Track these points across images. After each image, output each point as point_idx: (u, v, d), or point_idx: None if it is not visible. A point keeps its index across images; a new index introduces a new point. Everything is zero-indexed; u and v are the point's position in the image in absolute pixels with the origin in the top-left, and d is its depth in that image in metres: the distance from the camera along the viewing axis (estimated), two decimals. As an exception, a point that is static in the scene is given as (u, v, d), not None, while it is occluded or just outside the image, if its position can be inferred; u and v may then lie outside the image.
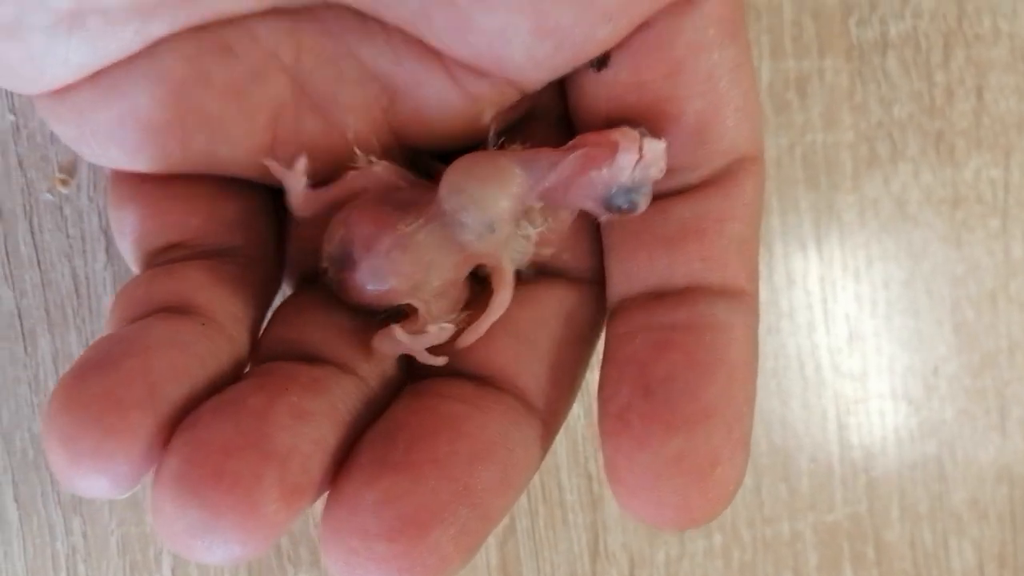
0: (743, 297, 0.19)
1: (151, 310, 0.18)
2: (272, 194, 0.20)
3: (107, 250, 0.25)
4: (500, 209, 0.18)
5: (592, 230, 0.20)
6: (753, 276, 0.19)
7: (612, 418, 0.17)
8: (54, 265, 0.25)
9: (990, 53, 0.30)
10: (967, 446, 0.31)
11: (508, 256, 0.19)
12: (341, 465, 0.17)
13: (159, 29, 0.18)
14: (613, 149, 0.18)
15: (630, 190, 0.18)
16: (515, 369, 0.18)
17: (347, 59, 0.19)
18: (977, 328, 0.30)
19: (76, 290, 0.25)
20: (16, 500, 0.25)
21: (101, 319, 0.25)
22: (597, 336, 0.20)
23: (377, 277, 0.18)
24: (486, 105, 0.19)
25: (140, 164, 0.19)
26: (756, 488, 0.30)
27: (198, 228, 0.20)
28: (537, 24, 0.18)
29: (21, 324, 0.25)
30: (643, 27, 0.18)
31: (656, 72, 0.19)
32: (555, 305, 0.19)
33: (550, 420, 0.19)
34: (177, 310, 0.18)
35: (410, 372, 0.19)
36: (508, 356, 0.19)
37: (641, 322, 0.18)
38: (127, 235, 0.20)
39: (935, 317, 0.30)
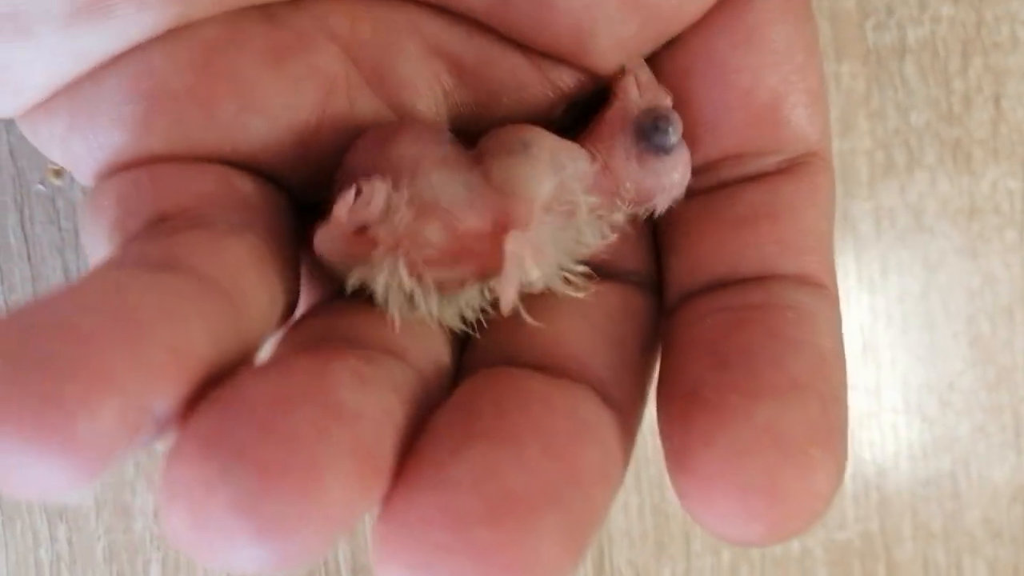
0: (824, 290, 0.17)
1: (128, 264, 0.14)
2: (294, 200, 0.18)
3: None
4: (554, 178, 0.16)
5: (648, 233, 0.19)
6: (833, 273, 0.17)
7: (680, 400, 0.14)
8: (45, 259, 0.24)
9: (1008, 61, 0.29)
10: (981, 463, 0.30)
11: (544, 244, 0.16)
12: (407, 453, 0.13)
13: (200, 11, 0.16)
14: (615, 92, 0.17)
15: (649, 113, 0.17)
16: (590, 357, 0.16)
17: (409, 32, 0.17)
18: (993, 342, 0.30)
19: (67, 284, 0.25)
20: None
21: None
22: (657, 344, 0.17)
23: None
24: (561, 93, 0.18)
25: (150, 142, 0.16)
26: (765, 504, 0.30)
27: (204, 197, 0.16)
28: (625, 1, 0.17)
29: (9, 320, 0.25)
30: None
31: (730, 39, 0.17)
32: (622, 303, 0.17)
33: (631, 416, 0.16)
34: (161, 266, 0.14)
35: (463, 372, 0.17)
36: (582, 342, 0.16)
37: (709, 307, 0.16)
38: (106, 205, 0.16)
39: (951, 330, 0.30)
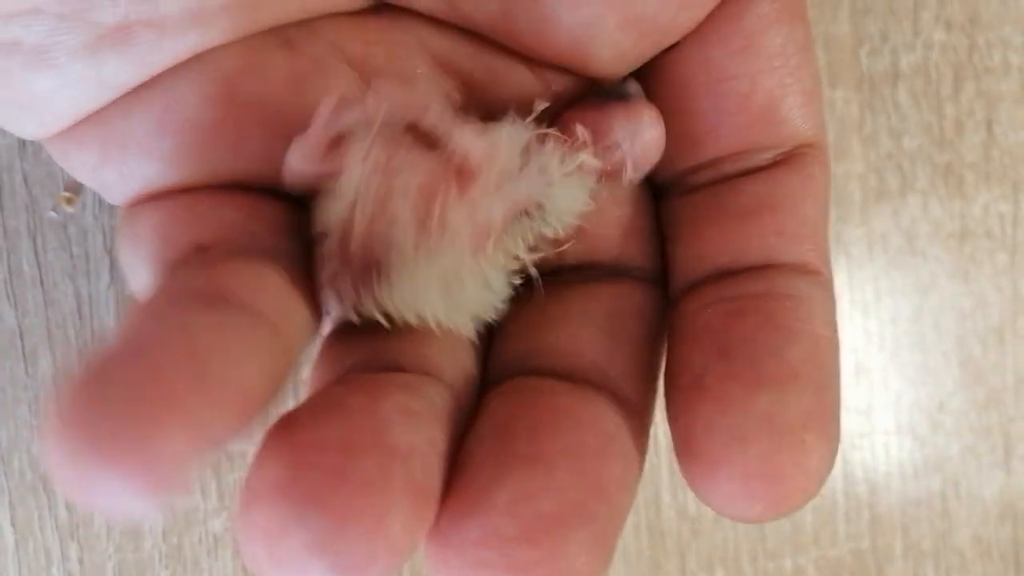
0: (820, 277, 0.18)
1: (181, 298, 0.15)
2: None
3: (111, 270, 0.25)
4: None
5: (653, 228, 0.19)
6: (828, 262, 0.18)
7: (685, 388, 0.16)
8: (57, 284, 0.25)
9: (1000, 86, 0.30)
10: (971, 483, 0.30)
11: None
12: (452, 475, 0.14)
13: (218, 37, 0.17)
14: None
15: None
16: (608, 364, 0.17)
17: (419, 51, 0.18)
18: (983, 364, 0.30)
19: (79, 310, 0.25)
20: (13, 524, 0.25)
21: (104, 341, 0.26)
22: (664, 338, 0.18)
23: None
24: (562, 99, 0.19)
25: (181, 174, 0.17)
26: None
27: (238, 225, 0.17)
28: (623, 16, 0.17)
29: (22, 344, 0.25)
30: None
31: (726, 48, 0.18)
32: (628, 302, 0.18)
33: (644, 420, 0.17)
34: (213, 299, 0.14)
35: (487, 379, 0.18)
36: (598, 350, 0.17)
37: (713, 296, 0.17)
38: (144, 235, 0.17)
39: (941, 352, 0.30)
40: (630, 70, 0.19)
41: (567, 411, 0.15)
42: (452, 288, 0.17)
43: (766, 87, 0.18)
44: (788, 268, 0.17)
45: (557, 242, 0.18)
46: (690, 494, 0.29)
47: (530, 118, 0.18)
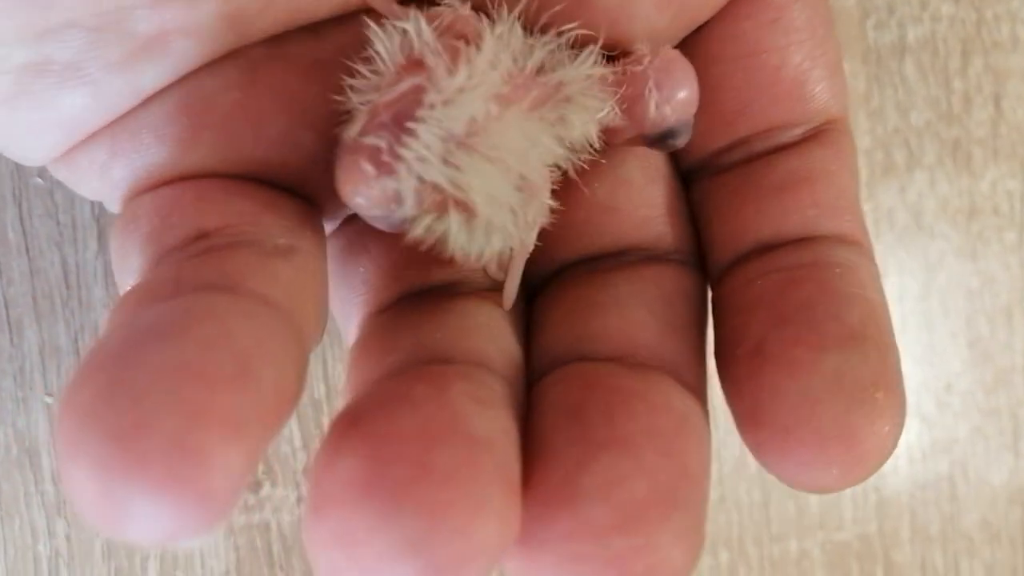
0: (862, 247, 0.17)
1: (180, 293, 0.13)
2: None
3: (99, 238, 0.24)
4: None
5: (686, 211, 0.19)
6: (866, 230, 0.18)
7: (745, 359, 0.15)
8: (43, 253, 0.24)
9: (1008, 61, 0.29)
10: (979, 466, 0.30)
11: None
12: (526, 463, 0.14)
13: (254, 36, 0.16)
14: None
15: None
16: (662, 346, 0.16)
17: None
18: (992, 344, 0.30)
19: (65, 279, 0.24)
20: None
21: (91, 311, 0.24)
22: (707, 321, 0.18)
23: None
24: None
25: (196, 158, 0.16)
26: (764, 505, 0.30)
27: (247, 215, 0.16)
28: None
29: (7, 314, 0.24)
30: None
31: (757, 21, 0.18)
32: (672, 284, 0.18)
33: (703, 400, 0.16)
34: (224, 288, 0.13)
35: (535, 370, 0.17)
36: (652, 333, 0.16)
37: (760, 269, 0.17)
38: (143, 217, 0.16)
39: (949, 331, 0.30)
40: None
41: (637, 393, 0.14)
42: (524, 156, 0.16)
43: (795, 61, 0.18)
44: (830, 239, 0.17)
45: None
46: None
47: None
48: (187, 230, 0.15)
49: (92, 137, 0.17)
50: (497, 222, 0.16)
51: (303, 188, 0.17)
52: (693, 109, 0.18)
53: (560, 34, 0.17)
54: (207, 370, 0.11)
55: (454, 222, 0.15)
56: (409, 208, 0.15)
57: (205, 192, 0.16)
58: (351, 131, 0.15)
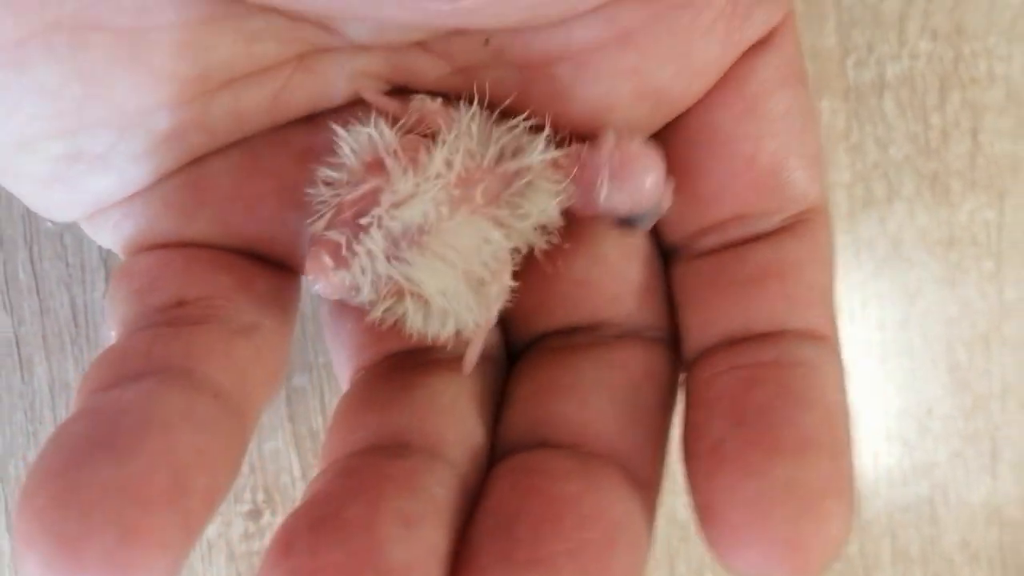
0: (828, 342, 0.18)
1: (147, 371, 0.15)
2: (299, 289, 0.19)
3: (106, 279, 0.26)
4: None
5: (664, 288, 0.20)
6: (835, 325, 0.18)
7: (704, 456, 0.16)
8: (53, 293, 0.25)
9: (985, 96, 0.30)
10: (959, 488, 0.31)
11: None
12: (455, 569, 0.15)
13: (261, 126, 0.19)
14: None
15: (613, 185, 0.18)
16: (617, 436, 0.17)
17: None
18: (970, 370, 0.31)
19: (74, 319, 0.26)
20: (8, 530, 0.26)
21: (99, 349, 0.25)
22: (676, 399, 0.19)
23: None
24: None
25: (195, 229, 0.18)
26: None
27: (223, 290, 0.18)
28: (639, 88, 0.18)
29: (19, 351, 0.25)
30: None
31: (731, 112, 0.19)
32: (639, 367, 0.19)
33: (655, 492, 0.17)
34: (181, 375, 0.15)
35: (497, 447, 0.18)
36: (608, 421, 0.17)
37: (725, 364, 0.17)
38: (137, 274, 0.18)
39: (929, 358, 0.30)
40: (644, 137, 0.19)
41: (572, 502, 0.15)
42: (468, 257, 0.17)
43: (770, 149, 0.19)
44: (797, 334, 0.18)
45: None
46: (679, 500, 0.29)
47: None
48: (169, 295, 0.17)
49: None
50: (451, 310, 0.17)
51: (288, 260, 0.19)
52: (653, 200, 0.18)
53: (527, 117, 0.18)
54: (144, 491, 0.13)
55: (410, 309, 0.17)
56: (366, 296, 0.17)
57: (192, 263, 0.18)
58: (318, 225, 0.17)
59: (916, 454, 0.31)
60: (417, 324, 0.18)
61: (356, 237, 0.17)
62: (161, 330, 0.17)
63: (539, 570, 0.14)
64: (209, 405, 0.15)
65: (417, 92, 0.19)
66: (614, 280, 0.20)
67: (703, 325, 0.19)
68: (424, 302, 0.17)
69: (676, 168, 0.19)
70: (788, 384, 0.16)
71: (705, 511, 0.16)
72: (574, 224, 0.19)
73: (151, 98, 0.17)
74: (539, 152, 0.18)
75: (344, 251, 0.17)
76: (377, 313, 0.17)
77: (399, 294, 0.17)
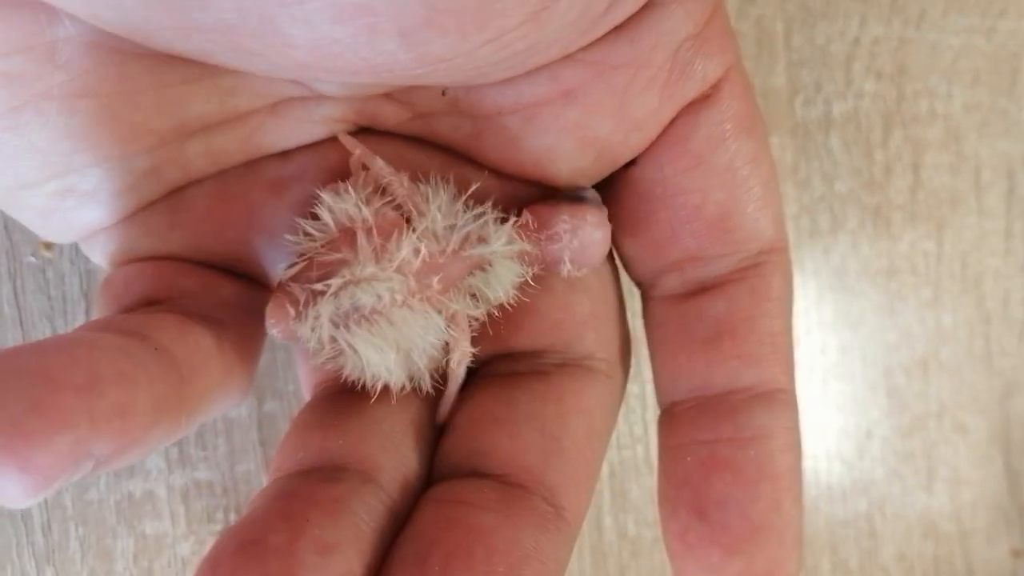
0: (779, 396, 0.20)
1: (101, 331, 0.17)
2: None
3: (87, 312, 0.27)
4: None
5: (614, 318, 0.21)
6: (788, 370, 0.20)
7: (677, 538, 0.19)
8: (36, 325, 0.26)
9: (926, 133, 0.32)
10: (896, 504, 0.32)
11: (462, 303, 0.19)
12: None
13: (231, 162, 0.20)
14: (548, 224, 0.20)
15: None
16: (543, 468, 0.19)
17: (395, 161, 0.20)
18: (908, 393, 0.32)
19: None
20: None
21: None
22: (613, 428, 0.21)
23: None
24: (524, 202, 0.21)
25: (170, 247, 0.20)
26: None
27: (190, 294, 0.20)
28: (580, 139, 0.20)
29: (3, 379, 0.27)
30: (666, 125, 0.20)
31: (678, 166, 0.20)
32: (576, 400, 0.20)
33: (575, 522, 0.19)
34: (131, 333, 0.17)
35: (433, 473, 0.19)
36: (535, 454, 0.19)
37: (690, 437, 0.19)
38: (115, 283, 0.20)
39: (869, 382, 0.32)
40: (592, 183, 0.21)
41: (485, 534, 0.17)
42: (401, 333, 0.19)
43: (716, 199, 0.20)
44: (751, 396, 0.20)
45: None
46: (631, 516, 0.31)
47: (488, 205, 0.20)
48: (139, 297, 0.20)
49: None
50: (386, 376, 0.19)
51: (255, 276, 0.21)
52: (601, 260, 0.20)
53: (492, 204, 0.20)
54: (60, 378, 0.14)
55: (348, 365, 0.19)
56: (314, 346, 0.19)
57: (162, 271, 0.20)
58: (287, 274, 0.19)
59: (855, 472, 0.32)
60: (353, 376, 0.19)
61: (313, 299, 0.18)
62: (129, 314, 0.19)
63: None
64: (145, 350, 0.16)
65: (380, 133, 0.21)
66: (556, 309, 0.21)
67: (670, 378, 0.21)
68: (363, 363, 0.19)
69: (631, 218, 0.21)
70: (742, 469, 0.19)
71: None
72: (536, 210, 0.20)
73: (132, 148, 0.19)
74: (503, 243, 0.19)
75: (302, 307, 0.18)
76: (318, 361, 0.19)
77: (342, 352, 0.19)
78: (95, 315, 0.20)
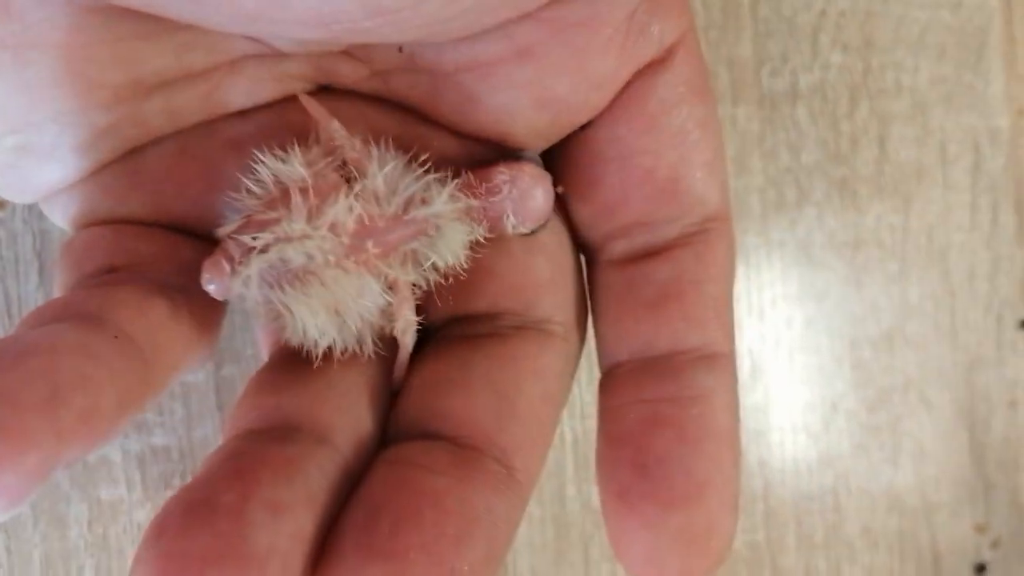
0: (721, 359, 0.20)
1: (59, 318, 0.17)
2: None
3: (39, 272, 0.26)
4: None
5: (572, 282, 0.21)
6: (729, 336, 0.20)
7: (615, 498, 0.18)
8: None
9: (892, 106, 0.32)
10: (861, 478, 0.32)
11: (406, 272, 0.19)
12: (323, 550, 0.16)
13: (190, 121, 0.20)
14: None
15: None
16: (496, 429, 0.19)
17: (355, 119, 0.20)
18: (874, 366, 0.32)
19: (8, 310, 0.26)
20: None
21: None
22: (568, 391, 0.21)
23: None
24: (483, 163, 0.21)
25: (129, 209, 0.20)
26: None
27: (149, 258, 0.20)
28: (538, 97, 0.20)
29: (-47, 342, 0.26)
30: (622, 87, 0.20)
31: (633, 127, 0.20)
32: (532, 363, 0.20)
33: (527, 483, 0.19)
34: (90, 319, 0.17)
35: (388, 435, 0.19)
36: (490, 415, 0.19)
37: (632, 396, 0.19)
38: (75, 248, 0.20)
39: (834, 355, 0.32)
40: (548, 144, 0.21)
41: (434, 496, 0.17)
42: (337, 298, 0.18)
43: (668, 162, 0.20)
44: (694, 357, 0.20)
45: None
46: (594, 488, 0.31)
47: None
48: (100, 263, 0.19)
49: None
50: (322, 339, 0.19)
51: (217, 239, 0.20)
52: (546, 216, 0.20)
53: (432, 167, 0.20)
54: (21, 397, 0.14)
55: (288, 326, 0.19)
56: (250, 306, 0.19)
57: (122, 236, 0.20)
58: (227, 231, 0.19)
59: (820, 445, 0.32)
60: (294, 340, 0.19)
61: (247, 256, 0.18)
62: (87, 289, 0.18)
63: (393, 562, 0.16)
64: (105, 342, 0.16)
65: (340, 92, 0.20)
66: (514, 271, 0.21)
67: (614, 340, 0.21)
68: (300, 325, 0.18)
69: (583, 179, 0.21)
70: (684, 426, 0.19)
71: (616, 541, 0.18)
72: (476, 171, 0.20)
73: (89, 102, 0.19)
74: (444, 201, 0.19)
75: (236, 264, 0.18)
76: (260, 322, 0.19)
77: (278, 312, 0.18)
78: (56, 280, 0.20)
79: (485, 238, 0.20)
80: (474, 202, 0.20)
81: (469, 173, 0.20)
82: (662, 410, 0.19)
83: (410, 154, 0.20)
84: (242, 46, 0.19)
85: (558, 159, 0.21)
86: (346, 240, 0.18)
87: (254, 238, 0.18)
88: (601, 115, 0.20)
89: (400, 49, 0.20)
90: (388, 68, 0.20)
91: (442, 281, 0.20)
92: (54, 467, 0.14)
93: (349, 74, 0.20)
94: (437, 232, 0.19)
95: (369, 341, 0.19)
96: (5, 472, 0.14)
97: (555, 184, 0.21)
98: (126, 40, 0.19)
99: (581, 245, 0.22)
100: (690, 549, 0.18)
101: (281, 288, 0.18)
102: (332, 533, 0.17)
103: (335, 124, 0.19)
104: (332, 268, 0.18)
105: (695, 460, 0.18)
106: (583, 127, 0.21)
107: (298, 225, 0.18)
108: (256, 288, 0.18)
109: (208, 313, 0.20)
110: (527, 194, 0.20)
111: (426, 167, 0.19)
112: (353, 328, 0.19)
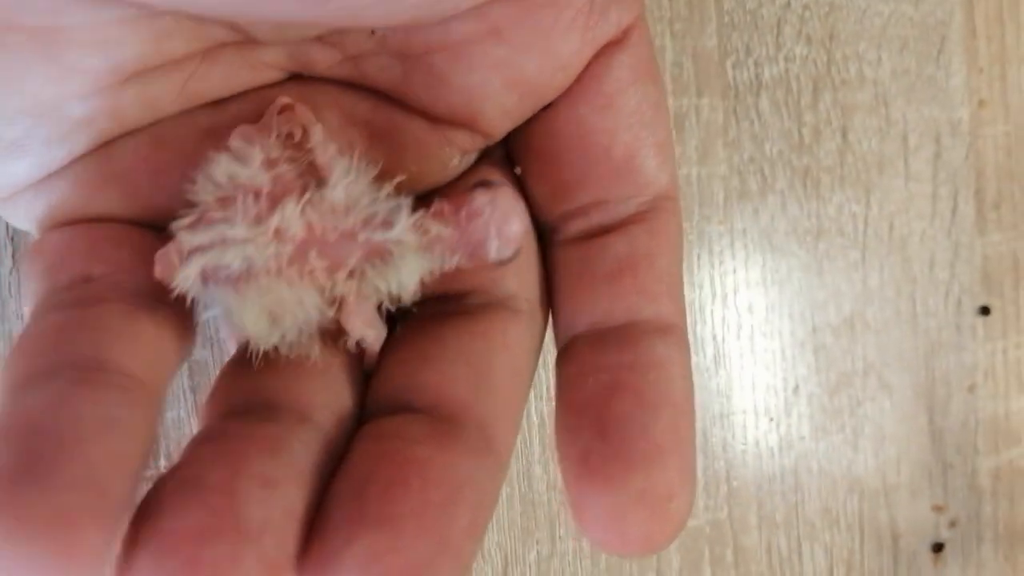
0: (675, 331, 0.20)
1: (59, 365, 0.17)
2: None
3: (13, 256, 0.26)
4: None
5: (534, 261, 0.22)
6: (681, 311, 0.21)
7: (575, 462, 0.18)
8: None
9: (855, 97, 0.32)
10: (822, 460, 0.33)
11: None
12: (313, 526, 0.16)
13: (166, 112, 0.20)
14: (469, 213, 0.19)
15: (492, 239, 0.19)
16: (472, 400, 0.19)
17: (329, 106, 0.20)
18: (835, 351, 0.33)
19: None
20: None
21: (5, 322, 0.27)
22: (535, 369, 0.21)
23: None
24: (456, 149, 0.21)
25: (104, 205, 0.20)
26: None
27: (127, 264, 0.19)
28: (508, 78, 0.20)
29: (-68, 325, 0.26)
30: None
31: (593, 105, 0.21)
32: (502, 337, 0.20)
33: (505, 453, 0.19)
34: (92, 367, 0.17)
35: (365, 411, 0.19)
36: (465, 387, 0.19)
37: (590, 363, 0.20)
38: (46, 252, 0.20)
39: (797, 340, 0.33)
40: (513, 126, 0.21)
41: (420, 465, 0.17)
42: (273, 302, 0.18)
43: (624, 140, 0.21)
44: (649, 328, 0.20)
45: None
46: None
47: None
48: (75, 273, 0.19)
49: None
50: (258, 338, 0.19)
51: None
52: (520, 243, 0.20)
53: (403, 191, 0.19)
54: (73, 516, 0.14)
55: (229, 325, 0.19)
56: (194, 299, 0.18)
57: (97, 240, 0.20)
58: (181, 224, 0.18)
59: (782, 428, 0.33)
60: (237, 338, 0.19)
61: (192, 252, 0.18)
62: (69, 313, 0.18)
63: (385, 529, 0.16)
64: (120, 403, 0.16)
65: (312, 80, 0.21)
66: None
67: (572, 313, 0.21)
68: (238, 325, 0.18)
69: (542, 159, 0.21)
70: (643, 390, 0.19)
71: (576, 505, 0.18)
72: (449, 198, 0.20)
73: (64, 89, 0.18)
74: (406, 228, 0.19)
75: (184, 258, 0.18)
76: (204, 317, 0.19)
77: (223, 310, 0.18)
78: (26, 283, 0.20)
79: (463, 268, 0.20)
80: (447, 231, 0.19)
81: (443, 201, 0.20)
82: (621, 376, 0.19)
83: (395, 180, 0.19)
84: (219, 34, 0.20)
85: (516, 140, 0.22)
86: (290, 248, 0.18)
87: (198, 237, 0.18)
88: (563, 95, 0.21)
89: (372, 32, 0.20)
90: (359, 52, 0.21)
91: (393, 308, 0.20)
92: (110, 558, 0.15)
93: (321, 60, 0.21)
94: (391, 259, 0.19)
95: (316, 347, 0.19)
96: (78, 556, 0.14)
97: (513, 166, 0.22)
98: (107, 24, 0.18)
99: (538, 225, 0.22)
100: (651, 512, 0.18)
101: (221, 287, 0.18)
102: (320, 508, 0.17)
103: (318, 131, 0.19)
104: (270, 274, 0.18)
105: (655, 424, 0.18)
106: (544, 108, 0.21)
107: (239, 229, 0.18)
108: (198, 285, 0.18)
109: (187, 313, 0.19)
110: (508, 215, 0.20)
111: (400, 192, 0.19)
112: (290, 336, 0.19)
